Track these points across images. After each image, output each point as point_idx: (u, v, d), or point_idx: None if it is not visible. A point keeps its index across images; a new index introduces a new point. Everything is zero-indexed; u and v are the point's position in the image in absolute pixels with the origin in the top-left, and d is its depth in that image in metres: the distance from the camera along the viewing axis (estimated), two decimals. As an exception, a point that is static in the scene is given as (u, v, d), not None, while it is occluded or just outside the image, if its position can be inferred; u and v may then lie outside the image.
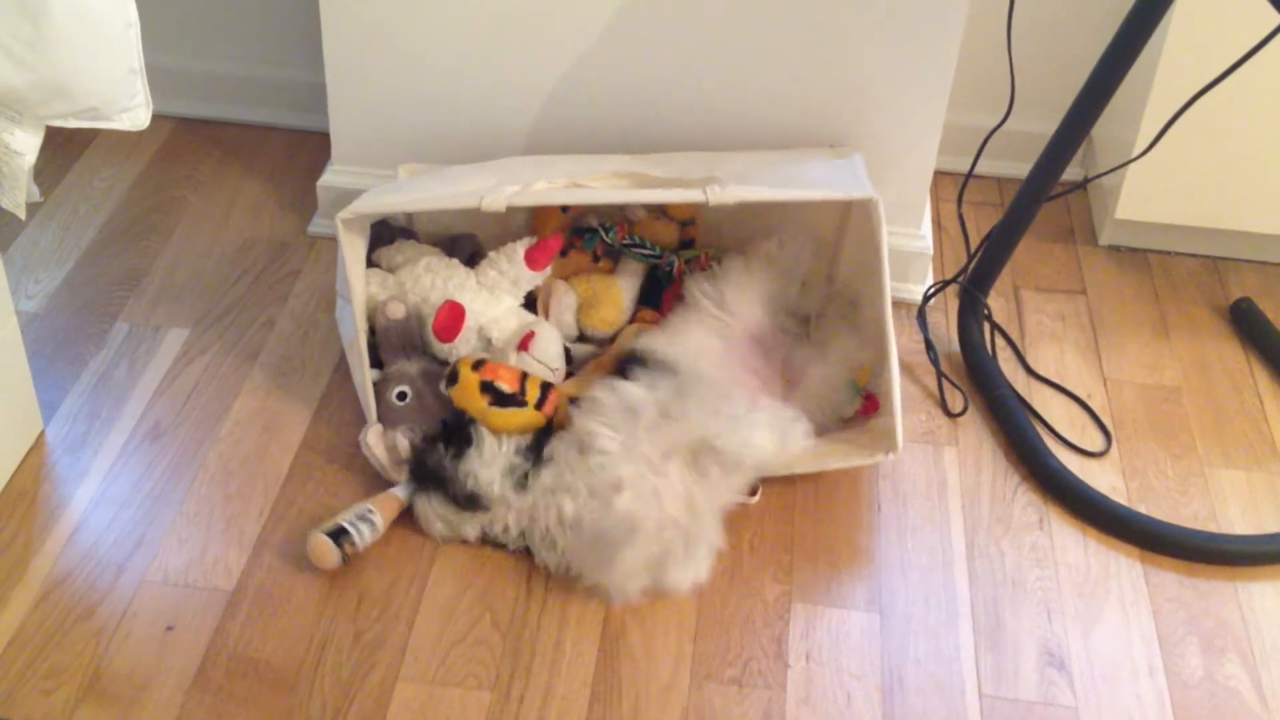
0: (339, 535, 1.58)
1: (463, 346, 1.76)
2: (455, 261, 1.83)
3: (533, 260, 1.77)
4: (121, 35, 1.44)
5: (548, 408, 1.67)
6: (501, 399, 1.65)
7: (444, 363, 1.77)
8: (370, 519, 1.60)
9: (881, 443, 1.72)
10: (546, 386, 1.68)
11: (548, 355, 1.75)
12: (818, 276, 1.93)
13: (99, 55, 1.43)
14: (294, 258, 2.07)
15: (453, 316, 1.74)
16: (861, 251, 1.84)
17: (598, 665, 1.53)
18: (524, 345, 1.74)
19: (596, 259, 1.92)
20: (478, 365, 1.66)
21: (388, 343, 1.75)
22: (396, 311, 1.75)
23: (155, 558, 1.62)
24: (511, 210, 1.67)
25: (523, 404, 1.66)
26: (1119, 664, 1.57)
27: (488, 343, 1.78)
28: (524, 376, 1.67)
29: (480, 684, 1.50)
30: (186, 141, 2.31)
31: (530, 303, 1.85)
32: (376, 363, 1.76)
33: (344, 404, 1.83)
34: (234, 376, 1.86)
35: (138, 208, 2.16)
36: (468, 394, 1.66)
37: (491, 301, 1.78)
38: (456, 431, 1.65)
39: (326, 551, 1.57)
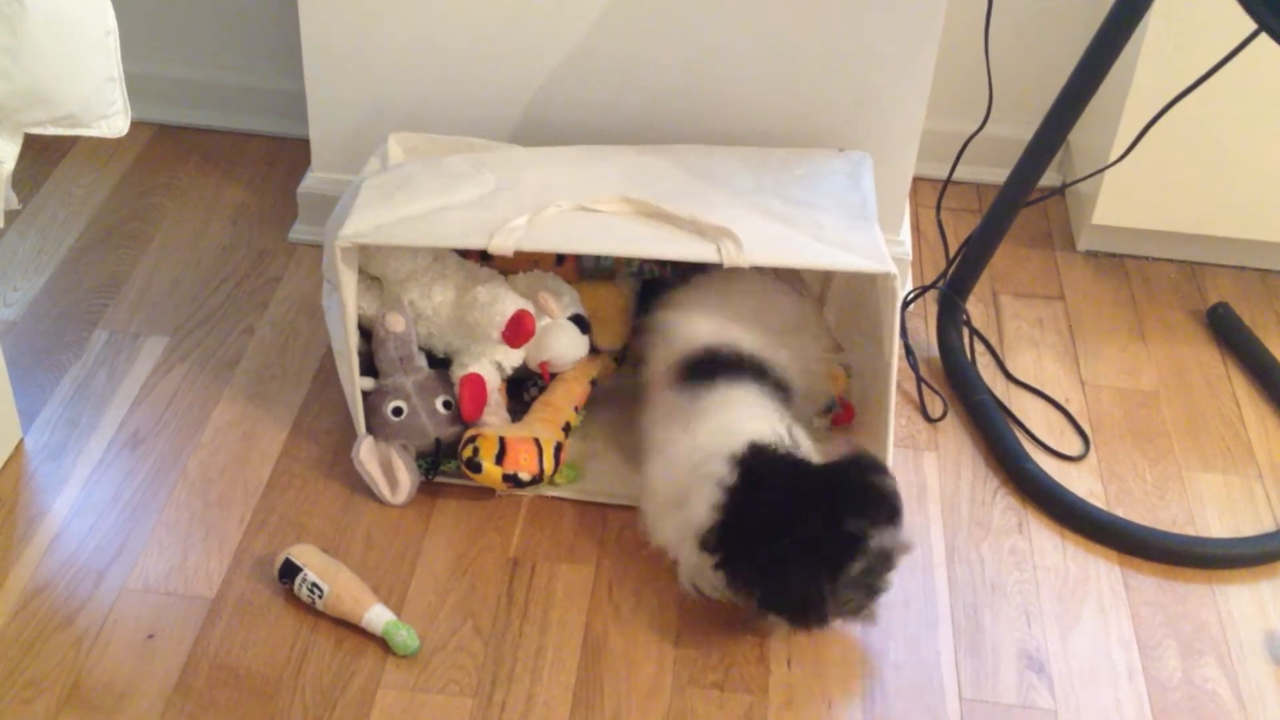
0: (291, 573, 1.57)
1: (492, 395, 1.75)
2: (436, 292, 1.76)
3: (512, 341, 1.71)
4: (100, 42, 1.44)
5: (561, 464, 1.71)
6: (522, 485, 1.68)
7: (441, 363, 1.77)
8: (320, 590, 1.56)
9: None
10: (558, 448, 1.70)
11: (566, 362, 1.75)
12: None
13: (77, 62, 1.43)
14: (274, 265, 2.07)
15: (476, 395, 1.70)
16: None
17: (579, 671, 1.53)
18: (544, 373, 1.75)
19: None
20: (500, 457, 1.65)
21: (385, 354, 1.72)
22: (397, 325, 1.71)
23: (135, 566, 1.61)
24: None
25: (541, 481, 1.68)
26: (1098, 667, 1.57)
27: (504, 370, 1.77)
28: (539, 451, 1.67)
29: (462, 690, 1.50)
30: (165, 148, 2.30)
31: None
32: (368, 368, 1.74)
33: (325, 411, 1.82)
34: (214, 384, 1.86)
35: (116, 215, 2.15)
36: (490, 482, 1.67)
37: (496, 349, 1.76)
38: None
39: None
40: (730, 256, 1.56)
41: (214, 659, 1.52)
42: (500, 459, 1.65)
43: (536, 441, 1.67)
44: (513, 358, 1.75)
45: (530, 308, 1.71)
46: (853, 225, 1.65)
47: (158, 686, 1.49)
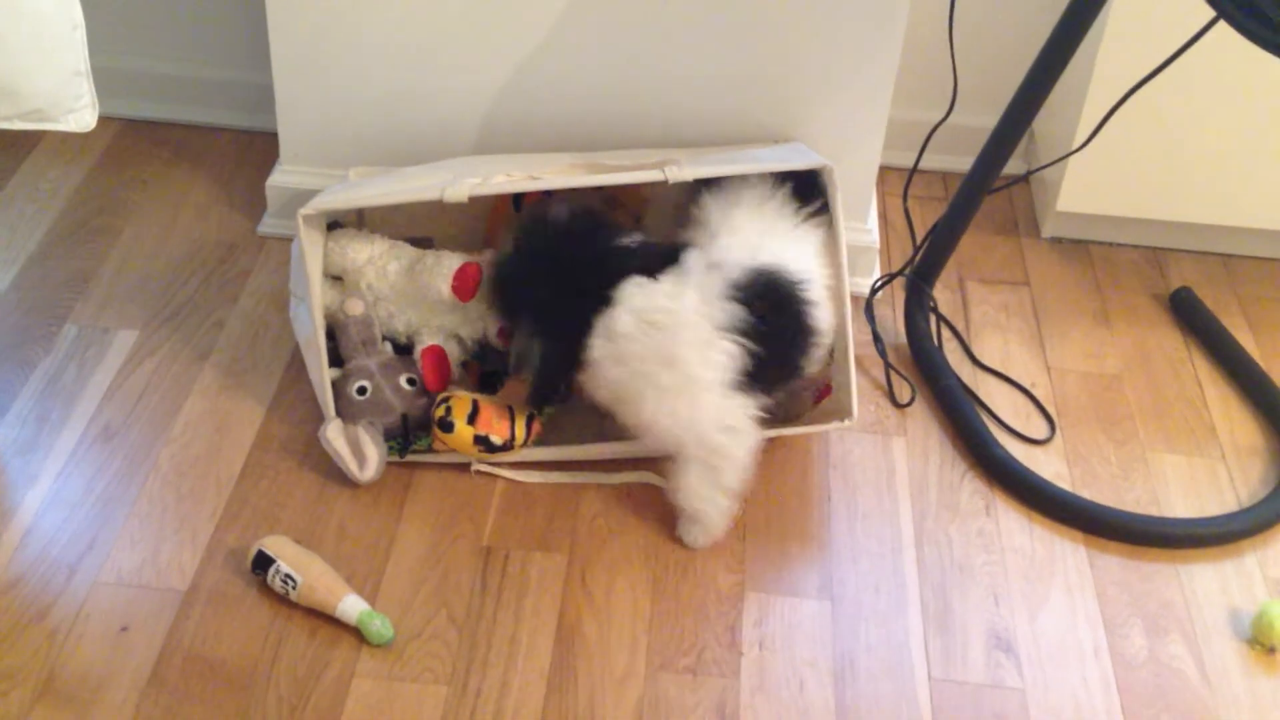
0: (264, 564, 1.58)
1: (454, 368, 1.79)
2: (392, 272, 1.80)
3: (461, 293, 1.75)
4: (67, 37, 1.44)
5: (532, 437, 1.73)
6: (493, 448, 1.68)
7: (405, 350, 1.79)
8: (293, 581, 1.56)
9: (837, 412, 1.76)
10: (530, 419, 1.72)
11: None
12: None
13: (45, 57, 1.43)
14: (243, 258, 2.07)
15: (440, 368, 1.74)
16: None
17: (553, 657, 1.54)
18: (504, 339, 1.77)
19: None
20: (473, 418, 1.67)
21: (347, 339, 1.75)
22: (355, 308, 1.76)
23: (108, 559, 1.61)
24: (468, 209, 1.67)
25: (511, 448, 1.69)
26: (1065, 646, 1.60)
27: (463, 343, 1.81)
28: (512, 419, 1.69)
29: (436, 678, 1.51)
30: (133, 143, 2.30)
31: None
32: (335, 361, 1.76)
33: (296, 403, 1.83)
34: (185, 377, 1.86)
35: (85, 209, 2.15)
36: (461, 444, 1.68)
37: (449, 310, 1.79)
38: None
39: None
40: (674, 174, 1.66)
41: (188, 651, 1.52)
42: (473, 419, 1.67)
43: (510, 409, 1.70)
44: (471, 328, 1.78)
45: (479, 260, 1.76)
46: (788, 152, 1.79)
47: (132, 678, 1.49)
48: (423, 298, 1.77)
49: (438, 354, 1.74)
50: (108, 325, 1.93)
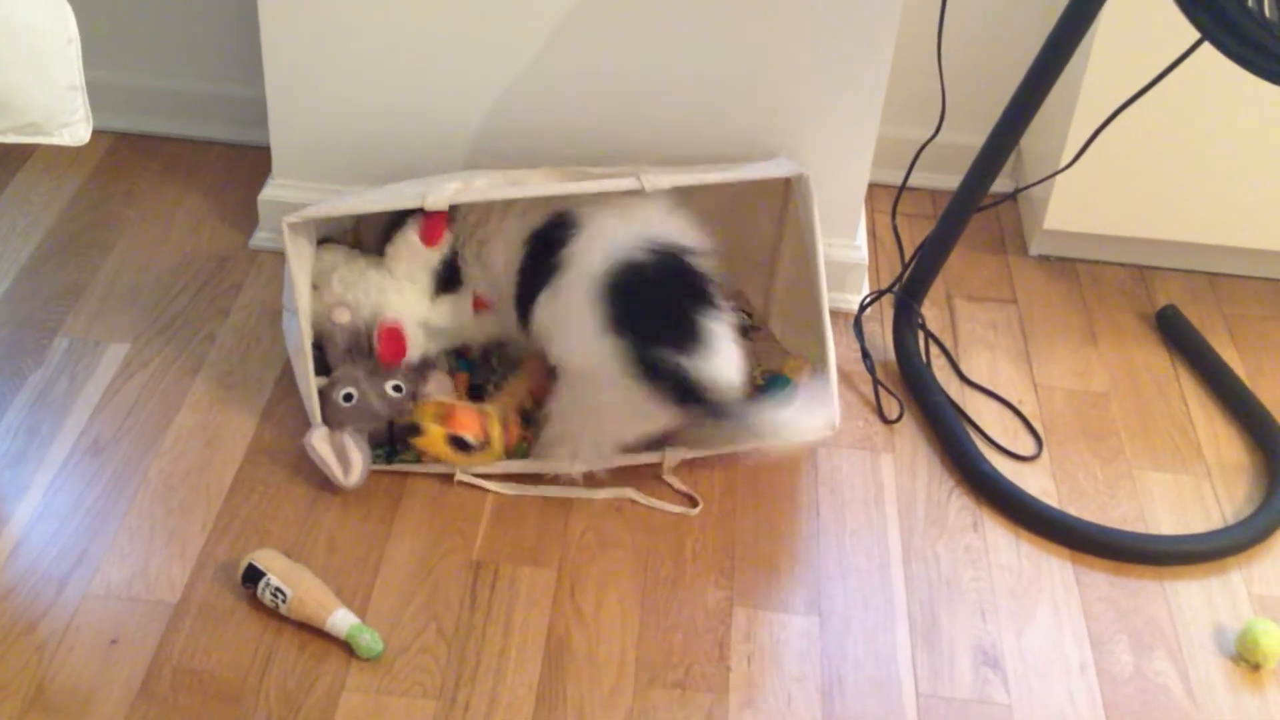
0: (254, 577, 1.58)
1: (414, 352, 1.78)
2: (362, 263, 1.82)
3: (428, 239, 1.76)
4: (62, 51, 1.44)
5: (509, 440, 1.73)
6: (467, 448, 1.68)
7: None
8: (283, 594, 1.57)
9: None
10: (519, 423, 1.73)
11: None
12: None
13: (39, 71, 1.43)
14: (235, 272, 2.07)
15: (394, 341, 1.75)
16: (797, 265, 1.88)
17: (542, 671, 1.55)
18: (483, 303, 1.79)
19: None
20: (443, 419, 1.68)
21: (334, 347, 1.77)
22: (342, 316, 1.77)
23: (98, 572, 1.61)
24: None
25: (488, 447, 1.70)
26: (1051, 662, 1.60)
27: (433, 334, 1.81)
28: (485, 418, 1.70)
29: (426, 693, 1.51)
30: (125, 156, 2.30)
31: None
32: (324, 370, 1.77)
33: (287, 417, 1.83)
34: (175, 390, 1.86)
35: (76, 223, 2.15)
36: (435, 446, 1.69)
37: (419, 294, 1.80)
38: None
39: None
40: (650, 182, 1.68)
41: (178, 664, 1.52)
42: (444, 420, 1.68)
43: (482, 411, 1.71)
44: (439, 314, 1.79)
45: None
46: (771, 166, 1.84)
47: (121, 691, 1.49)
48: (391, 262, 1.78)
49: (392, 328, 1.75)
50: (99, 338, 1.94)
